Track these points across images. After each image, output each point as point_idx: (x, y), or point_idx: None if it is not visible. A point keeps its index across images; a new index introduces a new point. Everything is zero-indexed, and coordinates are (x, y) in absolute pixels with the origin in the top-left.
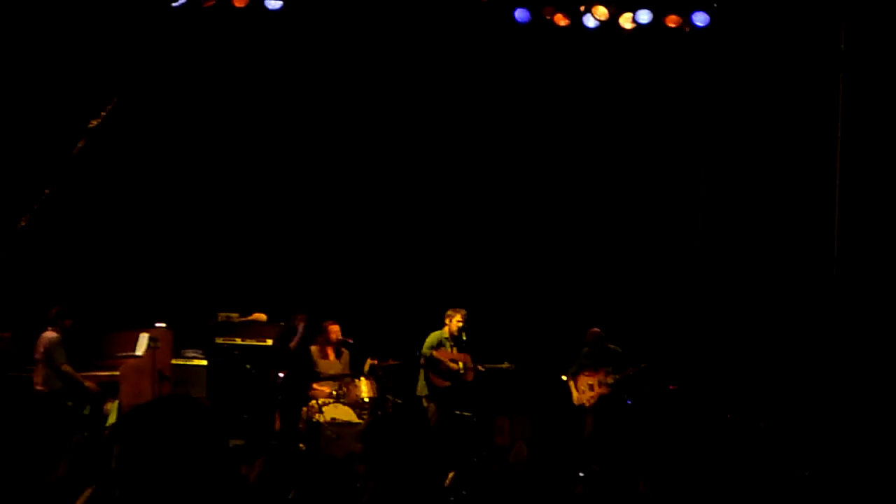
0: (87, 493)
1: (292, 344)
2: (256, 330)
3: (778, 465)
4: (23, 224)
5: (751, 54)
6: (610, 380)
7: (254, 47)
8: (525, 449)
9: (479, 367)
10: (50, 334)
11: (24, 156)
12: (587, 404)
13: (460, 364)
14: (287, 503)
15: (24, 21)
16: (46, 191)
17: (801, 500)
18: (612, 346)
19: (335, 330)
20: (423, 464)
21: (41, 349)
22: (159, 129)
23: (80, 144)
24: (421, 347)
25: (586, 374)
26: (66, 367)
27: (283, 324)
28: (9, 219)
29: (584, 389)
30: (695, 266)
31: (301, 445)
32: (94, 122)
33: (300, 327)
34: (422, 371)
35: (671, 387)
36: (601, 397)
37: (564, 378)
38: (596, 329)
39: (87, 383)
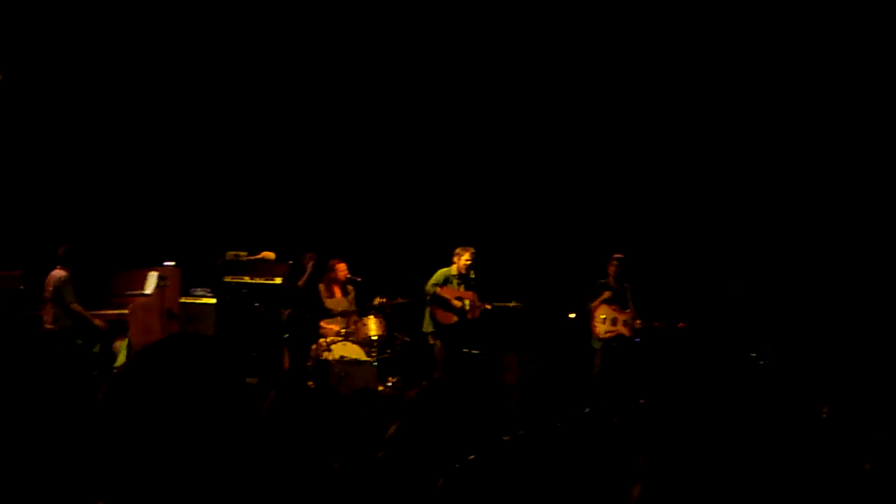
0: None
1: (300, 282)
2: (265, 268)
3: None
4: None
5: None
6: (637, 324)
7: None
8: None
9: (486, 306)
10: (59, 273)
11: None
12: (603, 336)
13: (466, 302)
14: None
15: None
16: None
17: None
18: (626, 285)
19: (342, 268)
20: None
21: (50, 288)
22: (172, 71)
23: None
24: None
25: (613, 308)
26: (76, 306)
27: (291, 262)
28: None
29: (606, 320)
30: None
31: (310, 383)
32: None
33: (309, 266)
34: (427, 308)
35: (680, 324)
36: (619, 336)
37: (572, 316)
38: (620, 255)
39: (97, 321)
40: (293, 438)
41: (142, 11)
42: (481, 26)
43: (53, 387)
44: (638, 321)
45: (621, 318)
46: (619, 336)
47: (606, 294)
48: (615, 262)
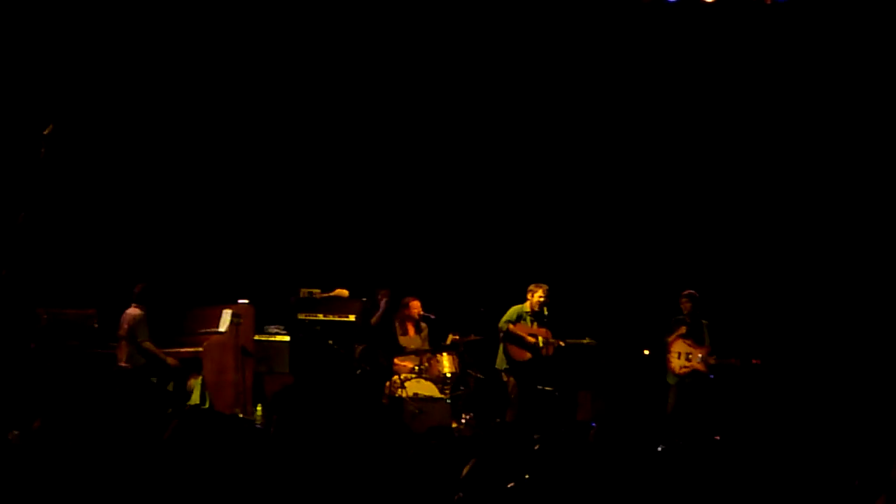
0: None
1: (373, 319)
2: (339, 305)
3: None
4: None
5: (833, 26)
6: (712, 361)
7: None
8: None
9: (560, 343)
10: (134, 311)
11: None
12: (678, 371)
13: (539, 339)
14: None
15: None
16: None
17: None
18: (703, 321)
19: (416, 305)
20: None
21: (125, 326)
22: (243, 114)
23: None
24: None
25: (688, 343)
26: (147, 344)
27: (365, 299)
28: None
29: (681, 355)
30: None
31: None
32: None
33: (382, 302)
34: (501, 345)
35: (754, 360)
36: (694, 372)
37: (646, 352)
38: (693, 291)
39: (169, 360)
40: (367, 475)
41: (215, 55)
42: (557, 66)
43: (127, 424)
44: (713, 357)
45: (696, 353)
46: (694, 372)
47: (682, 329)
48: (685, 298)
